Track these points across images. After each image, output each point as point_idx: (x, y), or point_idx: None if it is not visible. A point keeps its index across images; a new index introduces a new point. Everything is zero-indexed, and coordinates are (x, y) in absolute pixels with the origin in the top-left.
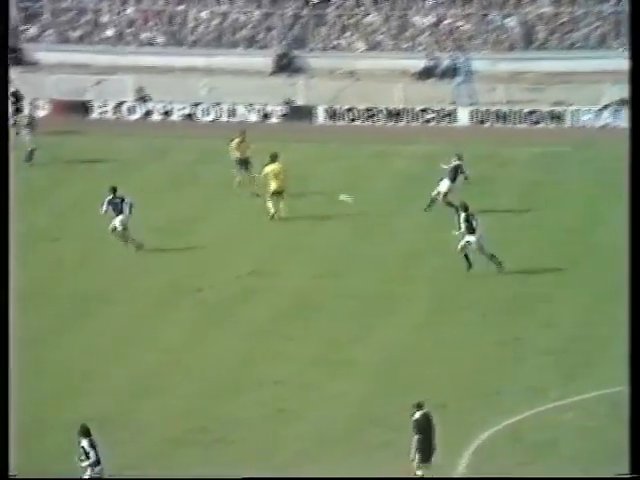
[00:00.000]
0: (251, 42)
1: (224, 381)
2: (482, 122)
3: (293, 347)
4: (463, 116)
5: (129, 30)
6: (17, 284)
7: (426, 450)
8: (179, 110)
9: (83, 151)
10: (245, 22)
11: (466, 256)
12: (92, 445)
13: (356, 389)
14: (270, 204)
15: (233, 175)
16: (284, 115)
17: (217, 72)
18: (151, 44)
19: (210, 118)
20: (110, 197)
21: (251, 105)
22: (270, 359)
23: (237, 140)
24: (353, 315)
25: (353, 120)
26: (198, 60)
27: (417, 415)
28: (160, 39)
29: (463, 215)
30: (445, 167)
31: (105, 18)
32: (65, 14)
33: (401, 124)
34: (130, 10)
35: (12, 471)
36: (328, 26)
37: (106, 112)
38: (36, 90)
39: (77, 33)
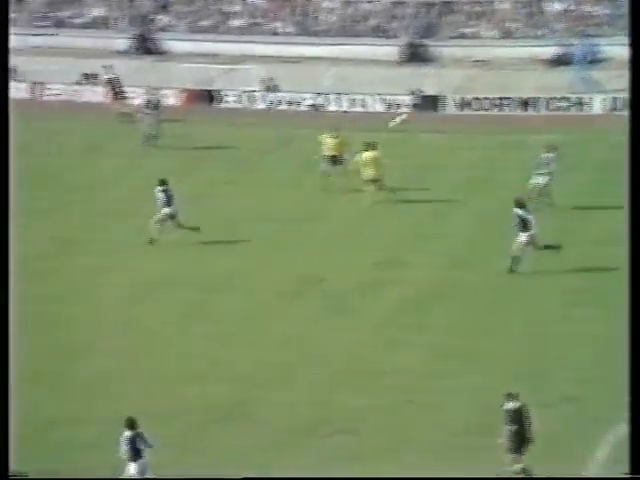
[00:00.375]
0: (379, 31)
1: (349, 371)
2: (614, 109)
3: (419, 338)
4: (595, 104)
5: (258, 19)
6: (141, 271)
7: (517, 441)
8: (306, 100)
9: (211, 140)
10: (374, 11)
11: (516, 258)
12: (131, 440)
13: (485, 381)
14: (366, 188)
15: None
16: (412, 105)
17: (345, 62)
18: (279, 33)
19: (336, 108)
20: (162, 188)
21: (378, 95)
22: (396, 350)
23: (329, 136)
24: (480, 306)
25: (483, 109)
26: (326, 50)
27: (509, 405)
28: (289, 29)
29: (520, 212)
30: (546, 155)
31: (234, 7)
32: (196, 3)
33: (532, 113)
34: None
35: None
36: (458, 14)
37: (234, 101)
38: (166, 79)
39: (207, 22)
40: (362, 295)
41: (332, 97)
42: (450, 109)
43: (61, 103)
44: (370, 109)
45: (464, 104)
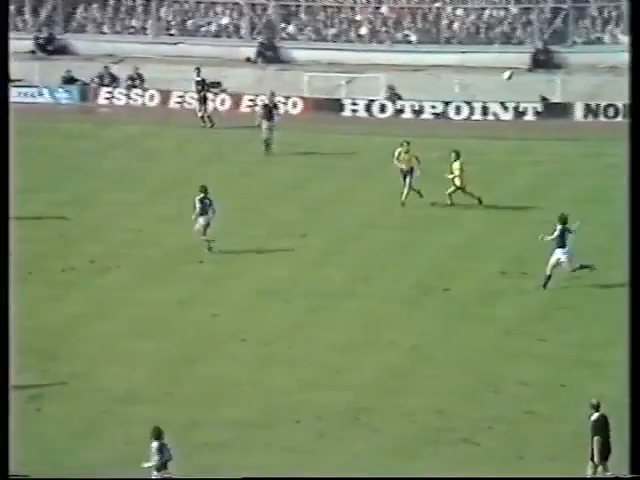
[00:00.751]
0: (507, 38)
1: (470, 380)
2: None
3: (544, 348)
4: None
5: (382, 28)
6: (260, 278)
7: (602, 451)
8: (430, 108)
9: (332, 148)
10: (500, 18)
11: (549, 276)
12: (159, 449)
13: (606, 392)
14: (450, 196)
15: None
16: (539, 112)
17: (471, 69)
18: (403, 42)
19: (462, 116)
20: (201, 196)
21: (505, 102)
22: (517, 360)
23: (399, 150)
24: (605, 316)
25: (613, 116)
26: (451, 57)
27: (595, 416)
28: (413, 37)
29: (559, 227)
30: None
31: (359, 16)
32: (321, 12)
33: None
34: (385, 8)
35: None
36: (587, 19)
37: (357, 110)
38: (290, 87)
39: (332, 31)
40: (485, 304)
41: (458, 105)
42: (579, 116)
43: (187, 111)
44: (497, 117)
45: (593, 111)
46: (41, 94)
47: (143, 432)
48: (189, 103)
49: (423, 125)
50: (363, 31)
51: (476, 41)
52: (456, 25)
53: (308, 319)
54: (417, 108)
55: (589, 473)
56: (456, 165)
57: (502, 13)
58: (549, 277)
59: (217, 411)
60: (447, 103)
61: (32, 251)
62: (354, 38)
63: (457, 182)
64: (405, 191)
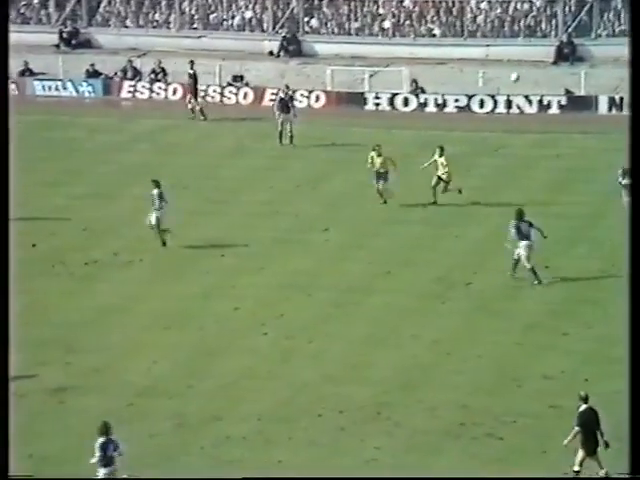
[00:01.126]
0: (532, 31)
1: (493, 374)
2: None
3: (567, 342)
4: None
5: (406, 21)
6: (282, 272)
7: (589, 444)
8: (454, 102)
9: (357, 142)
10: (524, 11)
11: (516, 263)
12: (103, 446)
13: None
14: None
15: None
16: (563, 106)
17: (495, 63)
18: (426, 35)
19: (486, 110)
20: (159, 191)
21: (529, 96)
22: (543, 353)
23: (371, 154)
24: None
25: None
26: (475, 51)
27: (582, 408)
28: (437, 30)
29: (513, 222)
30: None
31: (382, 9)
32: (344, 6)
33: None
34: (408, 1)
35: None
36: (612, 12)
37: (381, 104)
38: (312, 81)
39: (355, 25)
40: (507, 299)
41: (482, 98)
42: (603, 109)
43: (210, 104)
44: (521, 110)
45: (618, 104)
46: (65, 88)
47: (165, 426)
48: (212, 97)
49: (446, 119)
50: (386, 24)
51: (500, 34)
52: (480, 18)
53: (330, 313)
54: (440, 102)
55: (576, 464)
56: (441, 160)
57: (526, 6)
58: (515, 266)
59: (238, 405)
60: (471, 96)
61: (55, 244)
62: (377, 32)
63: (443, 176)
64: (379, 193)
